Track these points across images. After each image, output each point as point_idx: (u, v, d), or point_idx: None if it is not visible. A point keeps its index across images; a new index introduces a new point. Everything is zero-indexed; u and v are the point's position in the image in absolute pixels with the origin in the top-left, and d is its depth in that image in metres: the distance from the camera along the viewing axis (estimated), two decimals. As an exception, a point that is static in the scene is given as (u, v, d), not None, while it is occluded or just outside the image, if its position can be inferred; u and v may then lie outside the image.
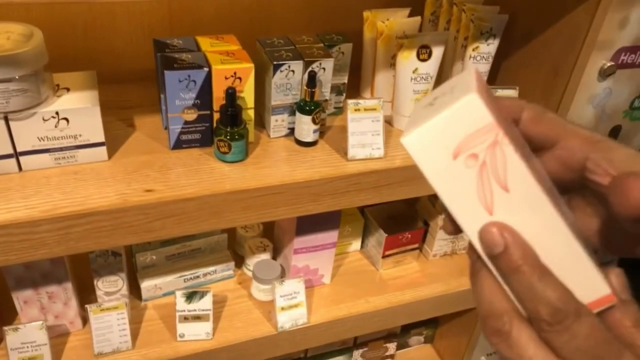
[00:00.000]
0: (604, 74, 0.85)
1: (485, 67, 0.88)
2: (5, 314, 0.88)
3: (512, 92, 0.88)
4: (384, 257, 1.07)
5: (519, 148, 0.28)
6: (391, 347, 1.31)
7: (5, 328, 0.79)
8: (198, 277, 0.98)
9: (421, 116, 0.28)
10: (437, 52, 0.82)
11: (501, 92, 0.87)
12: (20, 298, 0.82)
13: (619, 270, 0.29)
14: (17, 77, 0.64)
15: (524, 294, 0.26)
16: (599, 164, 0.32)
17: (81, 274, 0.90)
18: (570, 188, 0.33)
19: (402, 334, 1.31)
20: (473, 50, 0.86)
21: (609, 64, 0.84)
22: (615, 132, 0.96)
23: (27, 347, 0.81)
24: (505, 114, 0.32)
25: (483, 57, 0.86)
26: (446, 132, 0.27)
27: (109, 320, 0.85)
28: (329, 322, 0.98)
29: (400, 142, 0.28)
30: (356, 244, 1.13)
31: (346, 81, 0.88)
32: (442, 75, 0.94)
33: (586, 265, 0.28)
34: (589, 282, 0.28)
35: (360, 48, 0.91)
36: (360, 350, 1.28)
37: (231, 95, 0.72)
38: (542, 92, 0.89)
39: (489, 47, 0.86)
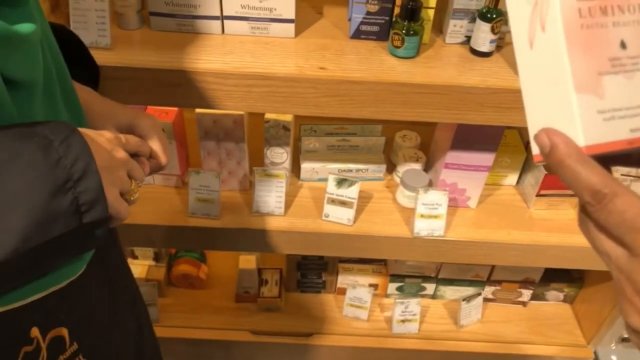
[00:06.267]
0: None
1: None
2: (192, 161, 1.05)
3: None
4: (538, 195, 1.03)
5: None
6: (526, 293, 1.28)
7: (190, 169, 0.96)
8: (351, 171, 1.06)
9: None
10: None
11: None
12: (205, 148, 0.97)
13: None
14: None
15: (570, 183, 0.32)
16: None
17: (256, 145, 1.03)
18: None
19: (540, 284, 1.27)
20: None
21: None
22: None
23: (204, 190, 0.96)
24: None
25: None
26: None
27: (269, 185, 0.97)
28: (465, 241, 1.00)
29: None
30: (512, 179, 1.10)
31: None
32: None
33: (570, 110, 0.32)
34: (568, 128, 0.33)
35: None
36: (493, 288, 1.28)
37: (414, -11, 0.74)
38: None
39: None
